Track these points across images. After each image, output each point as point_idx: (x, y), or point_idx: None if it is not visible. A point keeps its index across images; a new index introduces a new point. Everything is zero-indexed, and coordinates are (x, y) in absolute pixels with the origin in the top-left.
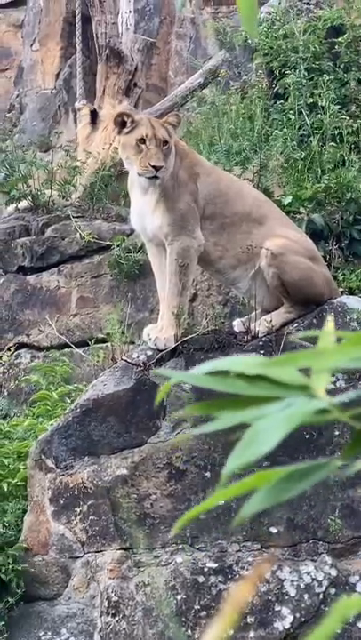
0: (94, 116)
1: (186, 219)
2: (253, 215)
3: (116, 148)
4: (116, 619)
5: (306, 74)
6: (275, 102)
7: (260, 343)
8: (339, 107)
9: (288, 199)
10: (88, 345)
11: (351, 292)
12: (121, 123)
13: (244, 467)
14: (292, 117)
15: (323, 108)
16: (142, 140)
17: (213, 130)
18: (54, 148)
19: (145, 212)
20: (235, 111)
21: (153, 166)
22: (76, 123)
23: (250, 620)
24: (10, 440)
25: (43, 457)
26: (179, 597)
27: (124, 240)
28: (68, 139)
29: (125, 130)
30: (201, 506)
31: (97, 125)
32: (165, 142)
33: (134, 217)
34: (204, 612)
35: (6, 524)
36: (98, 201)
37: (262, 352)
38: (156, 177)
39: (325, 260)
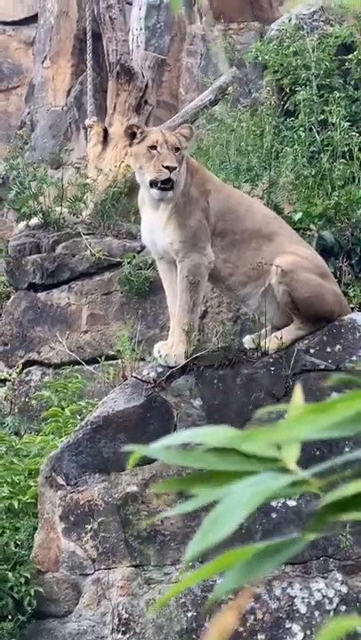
0: (105, 133)
1: (197, 236)
2: (263, 232)
3: (128, 165)
4: (127, 636)
5: (317, 91)
6: (285, 119)
7: (271, 360)
8: (349, 124)
9: (298, 216)
10: (98, 362)
11: None
12: (131, 134)
13: (204, 551)
14: (303, 134)
15: (333, 124)
16: (153, 147)
17: (223, 147)
18: (65, 165)
19: (156, 229)
20: (245, 128)
21: (166, 167)
22: (86, 140)
23: (261, 637)
24: (20, 457)
25: (53, 474)
26: (189, 615)
27: (134, 257)
28: (79, 156)
29: (136, 140)
30: (174, 588)
31: (108, 143)
32: (177, 149)
33: (145, 233)
34: None
35: (18, 543)
36: (108, 218)
37: (273, 369)
38: (169, 184)
39: (336, 277)
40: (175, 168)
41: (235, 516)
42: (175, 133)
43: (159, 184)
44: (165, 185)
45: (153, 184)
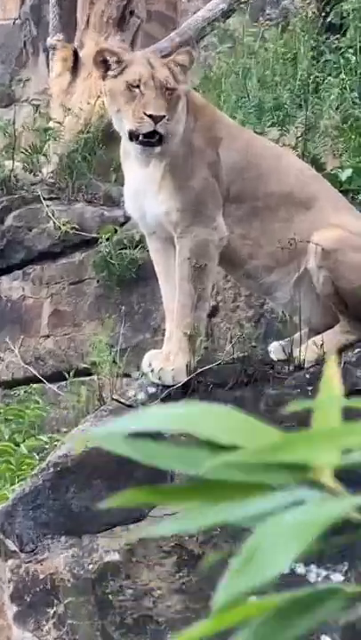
0: (75, 58)
1: (202, 201)
2: (297, 196)
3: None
4: None
5: None
6: (327, 38)
7: (307, 376)
8: None
9: (346, 173)
10: (66, 379)
11: None
12: (103, 63)
13: (242, 596)
14: (353, 59)
15: None
16: (135, 84)
17: (240, 77)
18: (18, 102)
19: (145, 193)
20: (271, 50)
21: (150, 116)
22: (48, 67)
23: None
24: None
25: (1, 536)
26: None
27: (115, 231)
28: (38, 89)
29: (112, 72)
30: None
31: (78, 71)
32: (170, 89)
33: (130, 199)
34: None
35: None
36: (79, 176)
37: (310, 389)
38: (155, 137)
39: None
40: (163, 117)
41: (284, 553)
42: (168, 62)
43: (140, 137)
44: (150, 139)
45: (133, 136)
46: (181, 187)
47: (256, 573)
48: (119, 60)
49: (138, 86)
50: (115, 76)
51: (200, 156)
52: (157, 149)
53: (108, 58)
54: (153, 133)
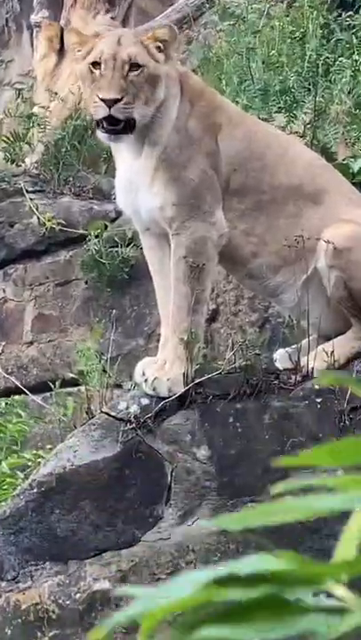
0: (62, 38)
1: (199, 194)
2: (306, 189)
3: None
4: None
5: None
6: (339, 15)
7: (317, 387)
8: None
9: (359, 163)
10: (51, 390)
11: None
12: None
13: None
14: None
15: None
16: (97, 63)
17: (243, 57)
18: (0, 86)
19: (138, 185)
20: (277, 28)
21: (102, 99)
22: (32, 47)
23: None
24: None
25: None
26: None
27: (105, 227)
28: (22, 71)
29: (79, 54)
30: None
31: (65, 53)
32: (135, 65)
33: (121, 192)
34: None
35: None
36: (66, 167)
37: (319, 400)
38: (120, 124)
39: None
40: (118, 100)
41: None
42: (144, 39)
43: (104, 124)
44: (114, 126)
45: (97, 123)
46: (176, 178)
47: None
48: (83, 40)
49: (99, 64)
50: (83, 58)
51: (197, 144)
52: (126, 138)
53: (75, 39)
54: (113, 119)
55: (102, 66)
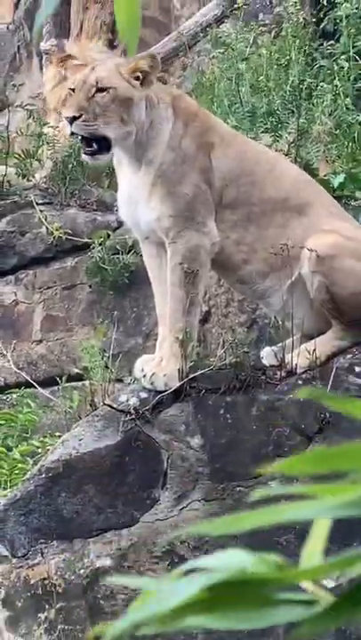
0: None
1: (193, 207)
2: (292, 202)
3: None
4: None
5: None
6: (321, 44)
7: (300, 382)
8: None
9: (339, 179)
10: (58, 384)
11: None
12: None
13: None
14: (346, 65)
15: None
16: (72, 90)
17: (233, 82)
18: (11, 107)
19: (137, 199)
20: (264, 56)
21: (65, 117)
22: (42, 71)
23: None
24: None
25: None
26: None
27: (108, 236)
28: (31, 93)
29: (69, 79)
30: None
31: None
32: (102, 88)
33: (123, 205)
34: None
35: None
36: (72, 182)
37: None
38: (91, 146)
39: None
40: (75, 117)
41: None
42: (119, 66)
43: (84, 147)
44: (89, 147)
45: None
46: (172, 193)
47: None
48: (65, 65)
49: (73, 90)
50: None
51: (191, 162)
52: (104, 157)
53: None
54: (88, 141)
55: (76, 89)
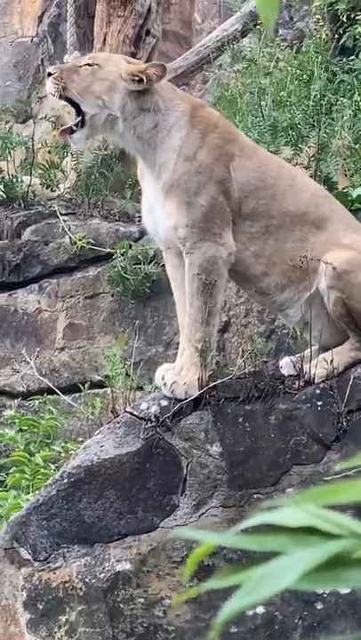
0: None
1: (210, 218)
2: (311, 216)
3: None
4: None
5: None
6: (341, 59)
7: (317, 392)
8: None
9: (358, 192)
10: (80, 391)
11: None
12: None
13: (249, 607)
14: None
15: None
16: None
17: (255, 96)
18: (36, 119)
19: (155, 206)
20: (285, 71)
21: (47, 74)
22: None
23: None
24: None
25: (15, 545)
26: None
27: (130, 246)
28: (55, 105)
29: None
30: None
31: None
32: (90, 64)
33: (146, 214)
34: None
35: None
36: (95, 193)
37: (320, 404)
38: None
39: None
40: (50, 74)
41: (285, 575)
42: (127, 59)
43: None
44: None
45: None
46: (187, 202)
47: (259, 591)
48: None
49: None
50: None
51: (207, 172)
52: (79, 133)
53: None
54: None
55: None
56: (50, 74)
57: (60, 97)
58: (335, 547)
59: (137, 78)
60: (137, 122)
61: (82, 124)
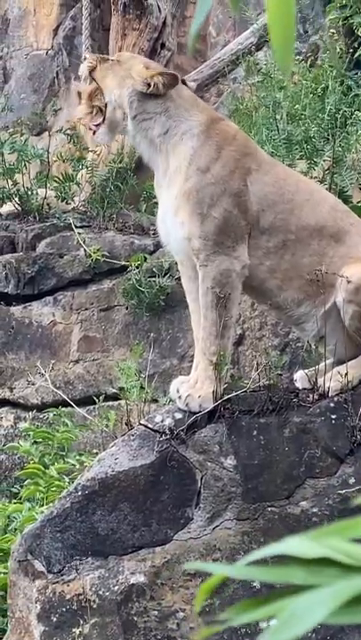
0: None
1: (223, 231)
2: (330, 230)
3: None
4: None
5: None
6: (356, 73)
7: (332, 405)
8: None
9: None
10: (94, 403)
11: None
12: None
13: None
14: None
15: None
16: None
17: (270, 110)
18: (51, 131)
19: (167, 215)
20: (300, 84)
21: None
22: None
23: None
24: None
25: (29, 557)
26: None
27: (145, 259)
28: (69, 118)
29: None
30: None
31: None
32: (113, 59)
33: (160, 222)
34: None
35: None
36: (110, 205)
37: (334, 417)
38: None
39: None
40: (87, 58)
41: (317, 610)
42: (146, 62)
43: None
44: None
45: None
46: (200, 214)
47: (288, 632)
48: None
49: None
50: None
51: (222, 185)
52: (99, 131)
53: None
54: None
55: None
56: (85, 57)
57: (89, 77)
58: (359, 584)
59: (145, 82)
60: (147, 125)
61: (103, 120)
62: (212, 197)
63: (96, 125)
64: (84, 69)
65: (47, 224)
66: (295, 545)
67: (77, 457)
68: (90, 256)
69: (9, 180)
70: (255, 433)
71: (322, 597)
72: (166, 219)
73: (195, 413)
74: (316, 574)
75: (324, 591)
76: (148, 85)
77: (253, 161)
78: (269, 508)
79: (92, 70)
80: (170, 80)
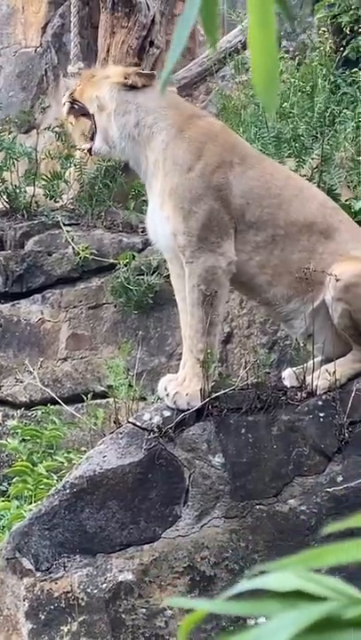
0: None
1: (207, 226)
2: (319, 226)
3: None
4: None
5: None
6: (343, 71)
7: (320, 403)
8: None
9: (360, 204)
10: (83, 401)
11: None
12: None
13: None
14: None
15: None
16: None
17: (258, 108)
18: (39, 129)
19: (155, 210)
20: (289, 83)
21: None
22: None
23: None
24: None
25: (17, 555)
26: None
27: (133, 257)
28: (58, 116)
29: None
30: None
31: None
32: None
33: (148, 219)
34: None
35: None
36: (99, 203)
37: (322, 415)
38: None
39: None
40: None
41: (279, 636)
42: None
43: None
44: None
45: None
46: (182, 208)
47: None
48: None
49: None
50: None
51: (201, 179)
52: (95, 146)
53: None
54: None
55: None
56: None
57: (74, 110)
58: (324, 609)
59: (123, 75)
60: (126, 119)
61: (94, 133)
62: (192, 192)
63: (91, 140)
64: (65, 106)
65: (35, 222)
66: (271, 579)
67: (66, 455)
68: (78, 254)
69: None
70: (243, 431)
71: (281, 625)
72: (154, 215)
73: (183, 411)
74: (290, 606)
75: (285, 619)
76: (126, 77)
77: (236, 155)
78: (257, 506)
79: (72, 99)
80: (147, 76)
